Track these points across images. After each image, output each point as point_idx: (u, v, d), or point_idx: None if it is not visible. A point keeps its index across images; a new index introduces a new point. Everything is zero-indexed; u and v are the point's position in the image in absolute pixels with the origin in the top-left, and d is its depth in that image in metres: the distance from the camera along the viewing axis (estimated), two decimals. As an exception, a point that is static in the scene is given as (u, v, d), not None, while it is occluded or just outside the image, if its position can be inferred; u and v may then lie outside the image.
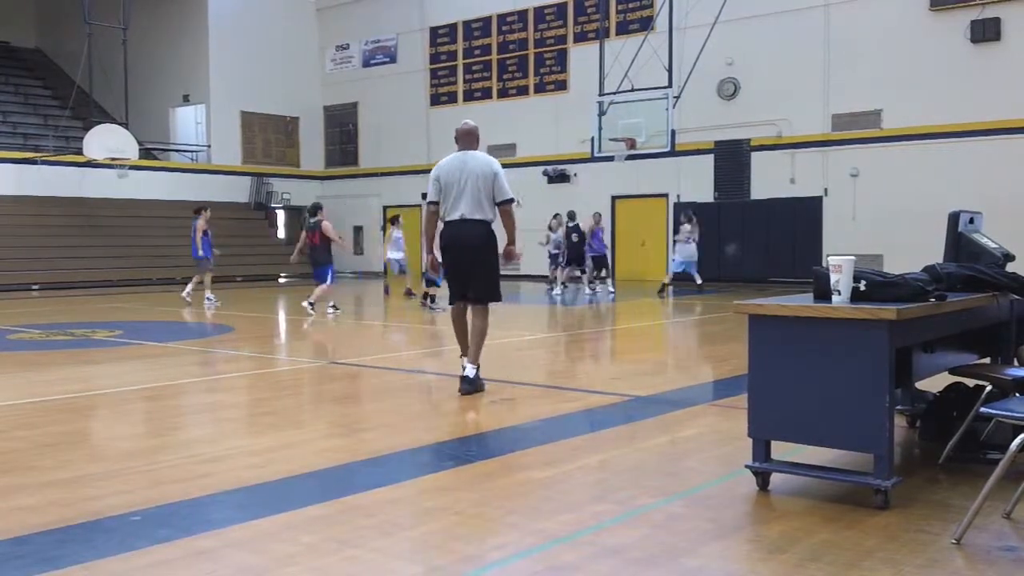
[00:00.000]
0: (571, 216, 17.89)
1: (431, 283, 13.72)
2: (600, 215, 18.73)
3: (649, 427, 5.33)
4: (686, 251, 17.58)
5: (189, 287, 15.32)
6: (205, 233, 14.88)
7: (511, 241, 6.51)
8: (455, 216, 6.19)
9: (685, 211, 18.51)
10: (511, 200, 6.25)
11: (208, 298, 14.93)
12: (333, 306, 13.18)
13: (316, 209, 13.25)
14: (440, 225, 6.43)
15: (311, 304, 12.91)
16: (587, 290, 17.65)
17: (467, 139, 6.37)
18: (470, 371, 6.24)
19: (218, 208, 25.13)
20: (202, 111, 27.01)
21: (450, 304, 6.57)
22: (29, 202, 22.12)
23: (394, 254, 16.92)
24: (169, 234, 23.80)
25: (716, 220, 20.74)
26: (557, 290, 17.36)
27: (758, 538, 3.31)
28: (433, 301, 13.65)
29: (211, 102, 26.54)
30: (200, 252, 14.82)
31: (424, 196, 27.86)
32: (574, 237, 17.60)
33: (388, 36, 27.19)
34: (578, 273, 18.15)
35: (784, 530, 3.32)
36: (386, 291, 17.86)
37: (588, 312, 14.24)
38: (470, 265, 6.26)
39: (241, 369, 8.22)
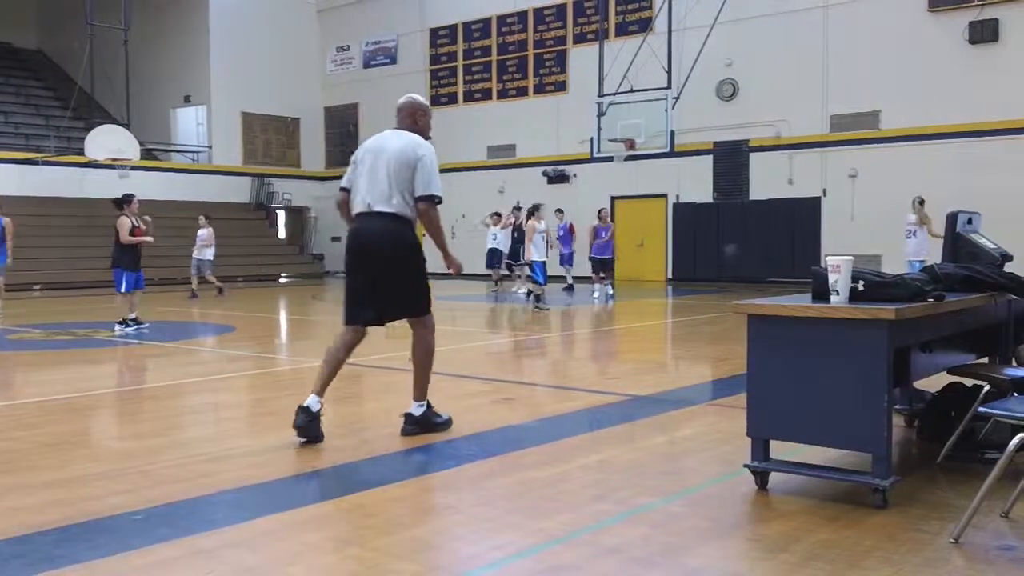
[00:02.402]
0: (519, 211, 17.69)
1: (535, 282, 13.55)
2: (601, 211, 17.45)
3: (648, 427, 5.34)
4: (914, 247, 14.32)
5: None
6: None
7: (443, 253, 4.98)
8: (361, 207, 4.77)
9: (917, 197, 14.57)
10: (432, 198, 4.76)
11: None
12: (123, 321, 10.59)
13: (118, 203, 10.78)
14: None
15: (127, 320, 10.66)
16: (519, 289, 17.28)
17: (399, 116, 5.09)
18: (416, 409, 4.97)
19: (219, 208, 25.24)
20: (203, 112, 27.05)
21: (345, 324, 4.94)
22: (31, 202, 22.10)
23: (198, 254, 16.66)
24: (170, 235, 23.79)
25: (715, 220, 20.78)
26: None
27: (757, 537, 3.32)
28: (539, 300, 13.31)
29: (212, 103, 26.57)
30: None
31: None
32: (515, 234, 17.33)
33: (388, 37, 27.22)
34: (507, 272, 17.83)
35: (783, 529, 3.33)
36: (193, 295, 16.71)
37: (587, 312, 14.23)
38: (381, 273, 4.74)
39: (242, 369, 8.23)
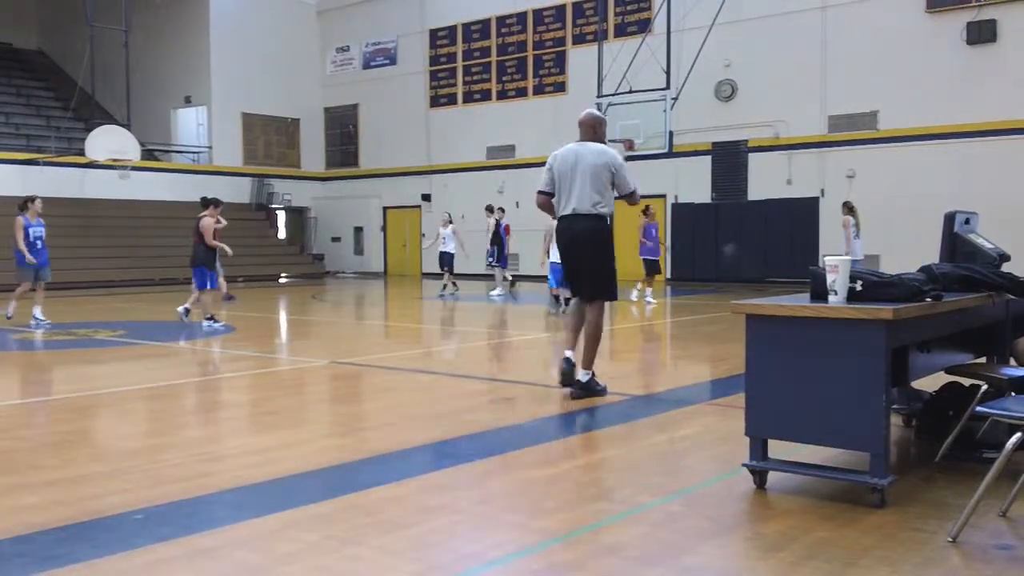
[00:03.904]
0: (490, 209, 17.55)
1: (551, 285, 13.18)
2: (648, 208, 15.79)
3: (647, 426, 5.36)
4: (861, 247, 14.23)
5: (13, 304, 11.87)
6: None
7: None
8: (567, 211, 6.04)
9: (845, 202, 14.93)
10: (632, 193, 6.14)
11: (36, 318, 11.57)
12: (210, 317, 11.24)
13: (205, 203, 11.86)
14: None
15: (186, 309, 11.79)
16: (497, 291, 17.07)
17: (582, 129, 6.18)
18: (582, 376, 5.99)
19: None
20: (203, 112, 27.05)
21: (572, 297, 6.51)
22: (30, 203, 22.14)
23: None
24: (171, 235, 23.80)
25: (714, 221, 20.80)
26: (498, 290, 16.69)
27: (756, 536, 3.33)
28: (558, 303, 12.82)
29: (212, 103, 26.57)
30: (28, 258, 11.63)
31: (424, 197, 27.89)
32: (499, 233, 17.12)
33: (388, 38, 27.23)
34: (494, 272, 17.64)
35: (781, 528, 3.34)
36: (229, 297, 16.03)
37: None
38: (581, 262, 6.08)
39: (242, 368, 8.24)
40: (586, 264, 6.05)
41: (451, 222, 17.98)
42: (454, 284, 17.88)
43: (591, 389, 5.99)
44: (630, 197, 6.15)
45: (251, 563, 3.02)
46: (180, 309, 12.09)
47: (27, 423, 5.63)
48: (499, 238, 17.24)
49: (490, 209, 17.71)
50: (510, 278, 18.24)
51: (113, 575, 2.94)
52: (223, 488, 3.95)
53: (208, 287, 11.52)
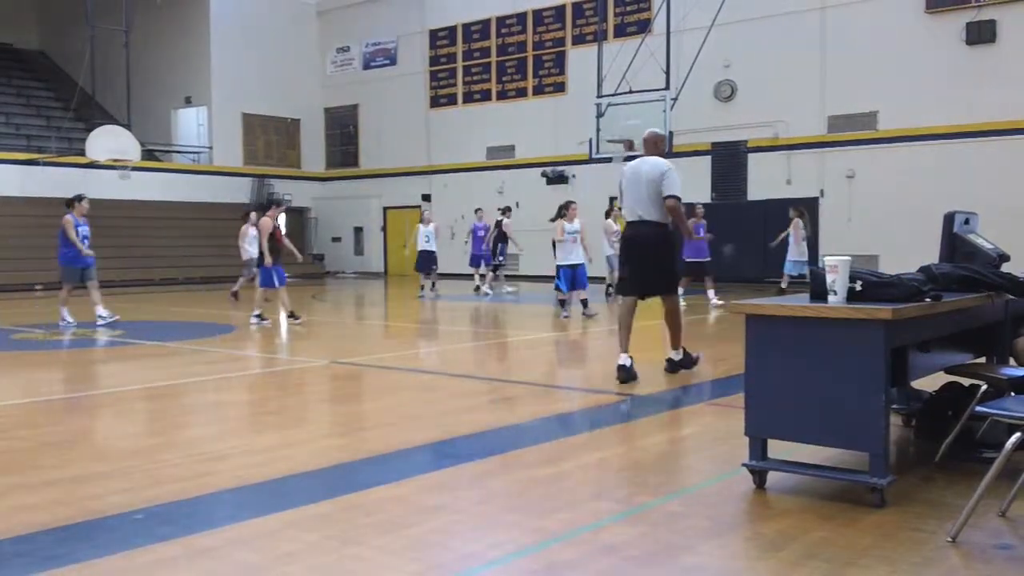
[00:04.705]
0: (501, 211, 17.51)
1: (557, 287, 12.96)
2: (697, 207, 15.22)
3: (647, 426, 5.36)
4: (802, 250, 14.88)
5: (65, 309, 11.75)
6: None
7: (684, 230, 7.24)
8: (632, 218, 6.78)
9: (795, 205, 15.79)
10: (672, 196, 6.57)
11: (100, 315, 11.56)
12: (258, 315, 11.53)
13: (269, 203, 11.89)
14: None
15: (258, 316, 11.53)
16: (486, 289, 17.14)
17: (645, 146, 6.98)
18: (675, 355, 7.01)
19: (219, 209, 25.29)
20: (204, 113, 27.05)
21: (619, 294, 7.15)
22: (32, 203, 22.13)
23: (251, 252, 15.27)
24: (170, 235, 23.85)
25: (713, 221, 20.79)
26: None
27: (755, 536, 3.34)
28: (563, 306, 12.73)
29: (213, 104, 26.57)
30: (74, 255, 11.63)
31: (424, 197, 27.81)
32: (495, 232, 17.08)
33: (388, 38, 27.24)
34: (483, 272, 17.51)
35: (781, 528, 3.34)
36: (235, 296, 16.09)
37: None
38: (645, 262, 6.74)
39: (242, 368, 8.25)
40: (650, 264, 6.73)
41: (432, 220, 17.91)
42: (422, 287, 17.70)
43: (686, 361, 7.06)
44: (673, 199, 6.60)
45: (251, 563, 3.03)
46: (252, 317, 11.51)
47: (27, 423, 5.63)
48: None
49: (501, 211, 17.73)
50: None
51: (113, 575, 2.95)
52: (223, 488, 3.95)
53: (277, 285, 11.47)
